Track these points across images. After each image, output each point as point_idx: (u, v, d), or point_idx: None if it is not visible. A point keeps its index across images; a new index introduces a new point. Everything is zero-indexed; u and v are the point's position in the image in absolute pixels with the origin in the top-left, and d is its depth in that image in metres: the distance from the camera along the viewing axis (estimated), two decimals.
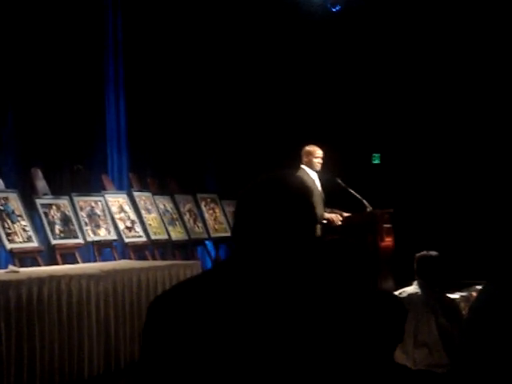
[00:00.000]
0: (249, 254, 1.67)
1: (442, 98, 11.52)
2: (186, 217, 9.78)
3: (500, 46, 11.08)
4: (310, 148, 8.64)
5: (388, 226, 8.98)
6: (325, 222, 8.55)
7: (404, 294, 5.10)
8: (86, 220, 8.42)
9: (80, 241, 8.21)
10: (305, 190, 1.72)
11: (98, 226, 8.53)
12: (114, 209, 8.81)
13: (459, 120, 11.39)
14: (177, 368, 1.59)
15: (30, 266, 7.35)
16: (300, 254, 1.68)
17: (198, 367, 1.57)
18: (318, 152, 8.61)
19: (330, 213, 8.69)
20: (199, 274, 1.81)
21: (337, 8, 11.25)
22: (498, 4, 10.95)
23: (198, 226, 9.90)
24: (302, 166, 8.54)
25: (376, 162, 12.14)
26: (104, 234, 8.55)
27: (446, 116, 11.52)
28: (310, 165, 8.55)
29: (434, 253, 5.25)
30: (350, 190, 8.94)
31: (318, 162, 8.57)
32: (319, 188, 8.57)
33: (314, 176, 8.57)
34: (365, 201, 8.90)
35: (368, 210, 8.89)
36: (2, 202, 7.63)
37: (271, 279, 1.66)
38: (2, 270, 6.82)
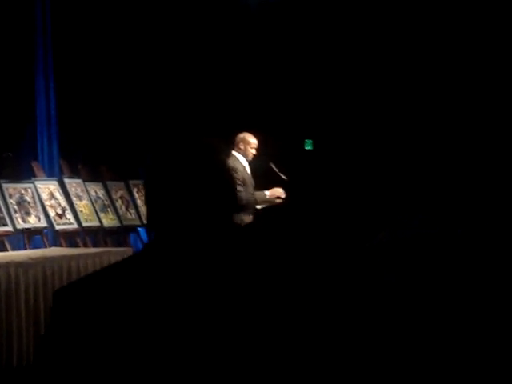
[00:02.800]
0: (165, 241, 1.63)
1: (377, 86, 11.66)
2: (118, 203, 9.72)
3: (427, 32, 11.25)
4: (247, 137, 8.66)
5: None
6: (267, 198, 8.63)
7: None
8: (16, 207, 8.30)
9: (9, 228, 8.09)
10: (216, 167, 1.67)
11: (28, 214, 8.42)
12: (45, 196, 8.70)
13: (391, 107, 11.55)
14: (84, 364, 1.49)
15: None
16: (216, 236, 1.63)
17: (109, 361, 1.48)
18: (255, 142, 8.65)
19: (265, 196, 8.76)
20: (113, 264, 1.69)
21: None
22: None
23: (130, 213, 9.85)
24: (234, 153, 8.55)
25: (308, 147, 12.23)
26: (34, 221, 8.44)
27: (378, 103, 11.66)
28: (245, 153, 8.58)
29: None
30: (282, 175, 9.01)
31: (253, 152, 8.61)
32: (249, 174, 8.62)
33: (245, 163, 8.61)
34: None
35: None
36: None
37: (191, 264, 1.60)
38: None
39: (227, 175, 1.66)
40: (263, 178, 8.93)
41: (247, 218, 7.99)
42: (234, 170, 8.11)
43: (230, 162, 7.65)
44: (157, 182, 1.64)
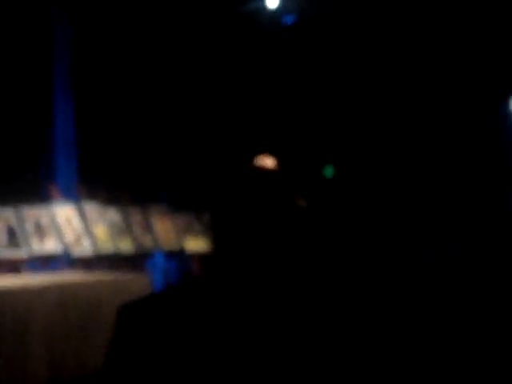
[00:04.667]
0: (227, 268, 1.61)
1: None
2: (136, 228, 9.62)
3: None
4: (261, 160, 8.57)
5: None
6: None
7: None
8: (32, 231, 8.22)
9: (25, 253, 8.01)
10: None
11: (45, 238, 8.33)
12: (61, 220, 8.60)
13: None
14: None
15: None
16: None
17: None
18: (270, 164, 8.55)
19: None
20: (177, 284, 1.73)
21: (290, 21, 11.24)
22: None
23: (147, 238, 9.74)
24: None
25: (328, 172, 12.16)
26: (50, 246, 8.35)
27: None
28: None
29: None
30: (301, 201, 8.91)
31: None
32: None
33: None
34: None
35: None
36: None
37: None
38: None
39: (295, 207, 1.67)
40: None
41: None
42: None
43: None
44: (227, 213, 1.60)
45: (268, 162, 8.50)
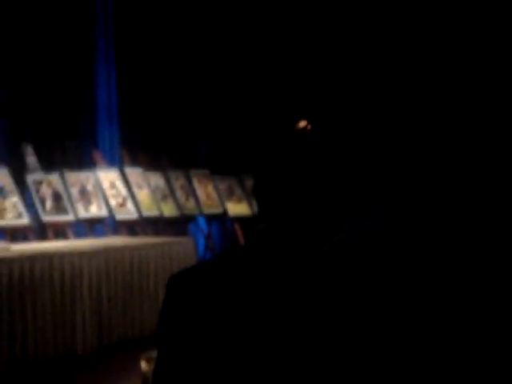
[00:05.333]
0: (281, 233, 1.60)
1: None
2: (178, 193, 9.72)
3: None
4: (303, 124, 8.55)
5: None
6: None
7: None
8: (77, 196, 8.36)
9: (71, 217, 8.15)
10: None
11: (90, 203, 8.46)
12: (106, 185, 8.73)
13: None
14: (193, 354, 1.54)
15: (21, 243, 7.31)
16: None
17: (217, 355, 1.51)
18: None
19: None
20: (225, 253, 1.73)
21: None
22: None
23: (190, 202, 9.84)
24: None
25: None
26: (95, 210, 8.48)
27: None
28: None
29: None
30: None
31: None
32: None
33: None
34: None
35: None
36: None
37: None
38: None
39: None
40: None
41: None
42: None
43: None
44: (271, 175, 1.64)
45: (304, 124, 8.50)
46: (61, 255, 6.38)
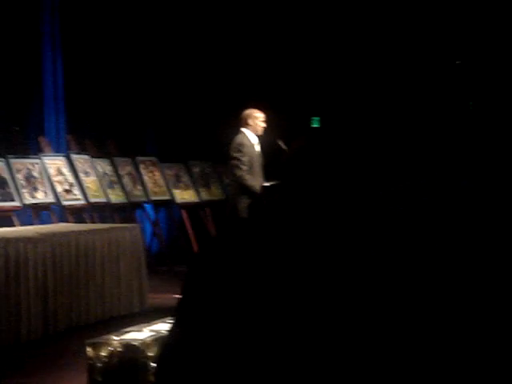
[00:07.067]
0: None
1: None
2: (125, 180, 9.72)
3: None
4: (253, 112, 8.52)
5: None
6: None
7: None
8: (23, 183, 8.31)
9: (17, 204, 8.11)
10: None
11: (36, 189, 8.43)
12: (52, 171, 8.70)
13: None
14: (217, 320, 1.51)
15: None
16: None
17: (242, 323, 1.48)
18: (262, 115, 8.51)
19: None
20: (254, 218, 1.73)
21: None
22: None
23: (137, 189, 9.85)
24: (243, 130, 8.45)
25: (315, 125, 12.19)
26: (42, 196, 8.45)
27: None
28: (254, 129, 8.43)
29: None
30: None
31: (262, 125, 8.46)
32: (259, 152, 8.55)
33: (255, 140, 8.49)
34: None
35: None
36: None
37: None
38: None
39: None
40: (271, 155, 8.88)
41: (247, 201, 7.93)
42: (241, 145, 8.07)
43: (238, 138, 7.56)
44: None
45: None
46: (5, 241, 6.34)
